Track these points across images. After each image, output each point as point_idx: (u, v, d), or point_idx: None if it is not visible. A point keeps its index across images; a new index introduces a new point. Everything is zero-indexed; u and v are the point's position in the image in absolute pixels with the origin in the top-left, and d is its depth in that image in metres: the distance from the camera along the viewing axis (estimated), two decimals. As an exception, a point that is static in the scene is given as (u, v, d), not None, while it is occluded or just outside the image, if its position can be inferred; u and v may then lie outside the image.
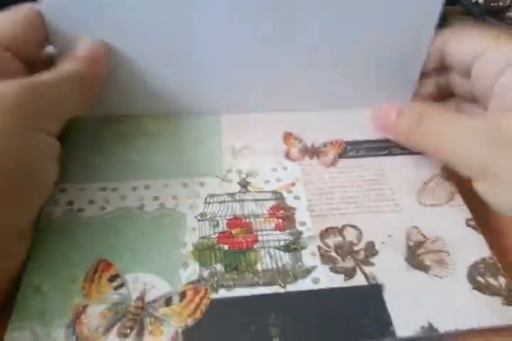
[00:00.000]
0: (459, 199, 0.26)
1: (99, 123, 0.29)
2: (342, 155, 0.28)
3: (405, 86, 0.30)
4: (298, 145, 0.29)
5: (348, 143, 0.29)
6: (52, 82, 0.22)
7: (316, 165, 0.28)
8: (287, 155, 0.28)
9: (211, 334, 0.20)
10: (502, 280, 0.22)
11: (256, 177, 0.27)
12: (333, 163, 0.28)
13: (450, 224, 0.24)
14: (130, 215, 0.24)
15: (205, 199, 0.25)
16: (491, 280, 0.22)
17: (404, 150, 0.28)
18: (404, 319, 0.20)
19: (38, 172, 0.21)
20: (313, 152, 0.29)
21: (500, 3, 0.33)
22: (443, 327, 0.20)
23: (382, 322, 0.20)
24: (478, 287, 0.21)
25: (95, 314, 0.20)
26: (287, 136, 0.29)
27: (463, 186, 0.26)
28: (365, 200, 0.26)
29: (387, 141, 0.29)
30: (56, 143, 0.22)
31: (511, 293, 0.21)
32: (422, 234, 0.24)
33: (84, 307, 0.20)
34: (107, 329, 0.20)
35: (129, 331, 0.20)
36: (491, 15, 0.33)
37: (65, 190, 0.25)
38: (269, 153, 0.28)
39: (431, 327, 0.20)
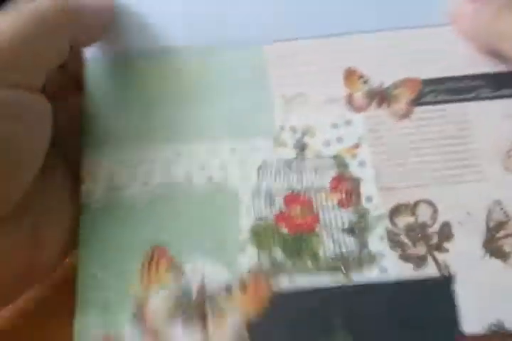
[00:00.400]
0: None
1: (121, 64, 0.24)
2: (417, 100, 0.23)
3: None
4: (363, 87, 0.24)
5: (425, 82, 0.24)
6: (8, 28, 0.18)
7: (386, 117, 0.23)
8: (350, 102, 0.24)
9: (274, 328, 0.19)
10: None
11: (313, 136, 0.23)
12: (406, 114, 0.23)
13: (540, 198, 0.21)
14: (177, 192, 0.22)
15: (258, 169, 0.22)
16: None
17: (496, 90, 0.23)
18: (474, 315, 0.19)
19: (23, 142, 0.18)
20: (382, 97, 0.24)
21: None
22: (514, 326, 0.19)
23: (450, 318, 0.19)
24: None
25: (157, 306, 0.20)
26: (350, 74, 0.24)
27: None
28: (444, 166, 0.22)
29: (474, 77, 0.24)
30: (41, 100, 0.19)
31: None
32: (505, 212, 0.21)
33: (146, 298, 0.20)
34: (172, 322, 0.20)
35: (193, 324, 0.20)
36: None
37: (100, 163, 0.22)
38: (327, 101, 0.24)
39: (501, 326, 0.19)
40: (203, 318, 0.20)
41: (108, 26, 0.23)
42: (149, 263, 0.21)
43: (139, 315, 0.20)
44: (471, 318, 0.19)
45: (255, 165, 0.22)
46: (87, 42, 0.23)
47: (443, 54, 0.24)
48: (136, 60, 0.24)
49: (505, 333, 0.19)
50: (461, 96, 0.23)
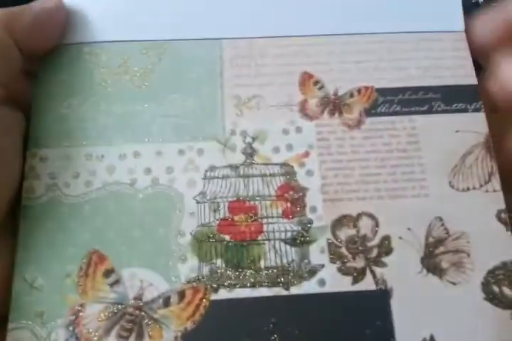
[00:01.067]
0: (496, 182, 0.22)
1: (75, 58, 0.23)
2: (370, 111, 0.23)
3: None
4: (318, 93, 0.24)
5: (379, 91, 0.24)
6: None
7: (337, 127, 0.23)
8: (303, 109, 0.23)
9: (211, 339, 0.19)
10: (518, 289, 0.21)
11: (264, 142, 0.23)
12: (357, 124, 0.23)
13: (479, 216, 0.22)
14: (121, 195, 0.21)
15: (205, 173, 0.22)
16: (507, 290, 0.20)
17: (449, 104, 0.23)
18: (408, 330, 0.20)
19: None
20: (335, 105, 0.24)
21: None
22: (444, 341, 0.20)
23: (385, 333, 0.20)
24: (491, 298, 0.20)
25: (93, 314, 0.20)
26: (305, 79, 0.24)
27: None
28: (389, 180, 0.22)
29: (429, 89, 0.24)
30: (8, 114, 0.20)
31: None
32: (446, 229, 0.21)
33: (82, 306, 0.20)
34: (107, 331, 0.20)
35: (128, 334, 0.19)
36: None
37: (45, 158, 0.22)
38: (281, 106, 0.23)
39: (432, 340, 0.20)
40: (138, 329, 0.20)
41: (61, 25, 0.22)
42: (87, 269, 0.20)
43: (74, 324, 0.19)
44: (405, 333, 0.20)
45: (202, 169, 0.22)
46: (44, 45, 0.22)
47: (400, 63, 0.24)
48: (84, 55, 0.23)
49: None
50: (414, 109, 0.23)
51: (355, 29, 0.24)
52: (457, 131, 0.23)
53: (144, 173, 0.22)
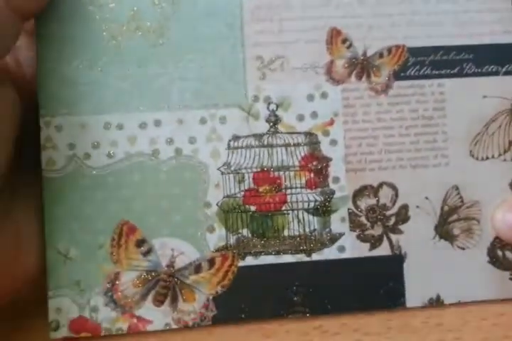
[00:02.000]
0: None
1: (78, 12, 0.21)
2: (399, 73, 0.22)
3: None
4: (346, 53, 0.22)
5: (411, 51, 0.22)
6: None
7: (363, 92, 0.22)
8: (329, 72, 0.22)
9: (239, 301, 0.21)
10: (519, 253, 0.22)
11: (288, 109, 0.22)
12: (385, 89, 0.22)
13: (493, 184, 0.23)
14: (145, 166, 0.21)
15: (229, 143, 0.22)
16: (509, 253, 0.22)
17: (481, 66, 0.23)
18: (416, 291, 0.22)
19: None
20: (364, 67, 0.22)
21: None
22: (449, 299, 0.22)
23: (396, 292, 0.22)
24: (494, 261, 0.22)
25: (128, 282, 0.21)
26: (333, 36, 0.22)
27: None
28: (411, 149, 0.22)
29: (462, 49, 0.23)
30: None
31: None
32: (461, 197, 0.22)
33: (117, 274, 0.21)
34: (143, 297, 0.21)
35: (163, 298, 0.21)
36: None
37: (60, 127, 0.21)
38: (306, 68, 0.22)
39: (438, 299, 0.22)
40: (173, 293, 0.21)
41: None
42: (119, 240, 0.21)
43: (111, 291, 0.21)
44: (414, 294, 0.22)
45: (226, 139, 0.22)
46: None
47: (436, 17, 0.22)
48: (87, 6, 0.21)
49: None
50: (444, 72, 0.22)
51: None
52: (485, 97, 0.22)
53: (166, 144, 0.21)
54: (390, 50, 0.22)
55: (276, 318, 0.22)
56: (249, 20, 0.21)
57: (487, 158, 0.22)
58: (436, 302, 0.22)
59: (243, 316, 0.21)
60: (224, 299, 0.21)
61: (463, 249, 0.22)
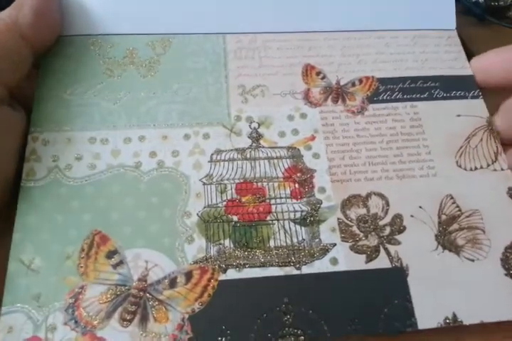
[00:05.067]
0: (503, 161, 0.22)
1: (79, 48, 0.24)
2: (372, 98, 0.24)
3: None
4: (320, 83, 0.24)
5: (380, 81, 0.24)
6: None
7: (340, 113, 0.23)
8: (306, 98, 0.24)
9: (219, 322, 0.18)
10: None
11: (269, 127, 0.23)
12: (360, 110, 0.23)
13: (489, 194, 0.21)
14: (125, 177, 0.21)
15: (211, 156, 0.22)
16: (527, 265, 0.20)
17: (449, 92, 0.24)
18: (428, 309, 0.19)
19: None
20: (338, 93, 0.24)
21: (501, 3, 0.32)
22: (468, 319, 0.18)
23: (404, 312, 0.19)
24: (512, 273, 0.19)
25: (94, 296, 0.18)
26: (308, 70, 0.24)
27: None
28: (396, 161, 0.22)
29: (428, 79, 0.24)
30: (9, 114, 0.20)
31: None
32: (458, 206, 0.21)
33: (82, 288, 0.19)
34: (109, 314, 0.18)
35: (131, 316, 0.18)
36: (492, 15, 0.31)
37: (46, 141, 0.21)
38: (285, 94, 0.24)
39: (455, 319, 0.18)
40: (143, 311, 0.18)
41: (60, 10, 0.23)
42: (88, 251, 0.19)
43: (73, 307, 0.18)
44: (426, 313, 0.19)
45: (208, 153, 0.22)
46: (48, 33, 0.23)
47: (398, 57, 0.25)
48: (89, 46, 0.24)
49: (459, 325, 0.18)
50: (415, 96, 0.24)
51: (355, 26, 0.25)
52: (458, 116, 0.23)
53: (149, 156, 0.21)
54: (361, 80, 0.24)
55: (263, 343, 0.18)
56: (232, 58, 0.24)
57: (476, 168, 0.22)
58: (453, 323, 0.18)
59: (224, 340, 0.18)
60: (201, 319, 0.18)
61: (472, 260, 0.20)
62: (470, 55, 0.25)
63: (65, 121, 0.22)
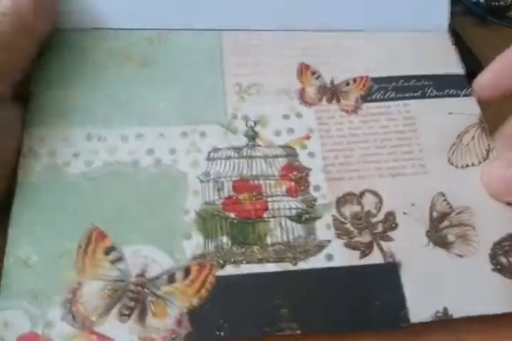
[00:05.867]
0: (494, 159, 0.23)
1: (75, 44, 0.24)
2: (366, 97, 0.24)
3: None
4: (315, 82, 0.25)
5: (374, 80, 0.25)
6: None
7: (335, 112, 0.24)
8: (301, 97, 0.24)
9: (217, 316, 0.18)
10: (526, 260, 0.20)
11: (265, 126, 0.23)
12: (354, 109, 0.24)
13: (480, 191, 0.22)
14: (122, 174, 0.21)
15: (208, 154, 0.22)
16: (515, 260, 0.20)
17: (441, 90, 0.24)
18: (420, 303, 0.19)
19: None
20: (333, 93, 0.24)
21: (502, 3, 0.32)
22: (458, 312, 0.19)
23: (396, 305, 0.19)
24: (499, 268, 0.20)
25: (92, 292, 0.19)
26: (303, 69, 0.25)
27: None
28: (389, 159, 0.23)
29: (421, 78, 0.25)
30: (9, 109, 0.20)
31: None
32: (449, 204, 0.22)
33: (80, 283, 0.19)
34: (107, 310, 0.18)
35: (130, 312, 0.18)
36: (492, 15, 0.31)
37: (43, 138, 0.21)
38: (280, 93, 0.24)
39: (445, 313, 0.19)
40: (141, 307, 0.19)
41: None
42: (86, 247, 0.19)
43: (71, 303, 0.18)
44: (417, 306, 0.19)
45: (205, 151, 0.22)
46: (48, 23, 0.22)
47: (391, 57, 0.25)
48: (87, 40, 0.24)
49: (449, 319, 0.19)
50: (408, 95, 0.24)
51: (349, 26, 0.26)
52: (450, 113, 0.24)
53: (146, 154, 0.22)
54: (355, 80, 0.25)
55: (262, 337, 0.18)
56: (228, 56, 0.24)
57: (467, 165, 0.23)
58: (444, 317, 0.19)
59: (222, 334, 0.18)
60: (200, 313, 0.19)
61: (461, 256, 0.20)
62: (470, 55, 0.25)
63: (61, 117, 0.22)
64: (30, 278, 0.19)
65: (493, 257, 0.20)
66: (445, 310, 0.19)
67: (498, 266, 0.20)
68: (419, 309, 0.19)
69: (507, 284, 0.20)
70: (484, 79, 0.23)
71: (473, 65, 0.25)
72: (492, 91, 0.23)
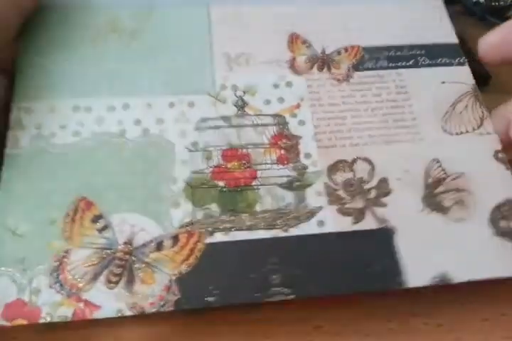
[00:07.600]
0: (488, 126, 0.22)
1: (62, 16, 0.23)
2: (358, 66, 0.24)
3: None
4: (305, 51, 0.24)
5: (366, 49, 0.24)
6: None
7: (326, 80, 0.23)
8: (292, 66, 0.24)
9: (207, 282, 0.18)
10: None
11: (254, 95, 0.23)
12: (346, 78, 0.23)
13: (476, 157, 0.21)
14: (109, 144, 0.21)
15: (196, 124, 0.22)
16: (515, 223, 0.20)
17: (434, 59, 0.24)
18: (416, 267, 0.19)
19: None
20: (324, 62, 0.24)
21: (501, 3, 0.32)
22: (458, 277, 0.19)
23: (392, 270, 0.19)
24: (501, 232, 0.19)
25: (79, 260, 0.18)
26: (293, 39, 0.24)
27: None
28: (381, 127, 0.22)
29: (413, 47, 0.24)
30: None
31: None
32: (443, 170, 0.21)
33: (67, 252, 0.18)
34: (94, 277, 0.18)
35: (117, 279, 0.18)
36: (492, 15, 0.31)
37: (30, 109, 0.21)
38: (270, 62, 0.23)
39: (445, 277, 0.19)
40: (129, 274, 0.18)
41: None
42: (73, 216, 0.19)
43: (58, 271, 0.18)
44: (414, 271, 0.19)
45: (194, 121, 0.22)
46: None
47: (384, 25, 0.25)
48: (74, 12, 0.24)
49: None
50: (400, 64, 0.24)
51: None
52: (443, 82, 0.23)
53: (133, 124, 0.21)
54: (346, 49, 0.24)
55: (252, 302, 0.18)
56: (216, 26, 0.24)
57: (461, 132, 0.22)
58: (442, 282, 0.18)
59: (211, 300, 0.18)
60: (189, 280, 0.18)
61: (459, 221, 0.20)
62: (470, 55, 0.25)
63: (48, 89, 0.22)
64: (18, 246, 0.18)
65: (493, 221, 0.20)
66: (444, 275, 0.19)
67: (500, 230, 0.20)
68: (416, 274, 0.19)
69: (509, 248, 0.19)
70: (492, 39, 0.22)
71: (473, 65, 0.24)
72: (494, 56, 0.22)
